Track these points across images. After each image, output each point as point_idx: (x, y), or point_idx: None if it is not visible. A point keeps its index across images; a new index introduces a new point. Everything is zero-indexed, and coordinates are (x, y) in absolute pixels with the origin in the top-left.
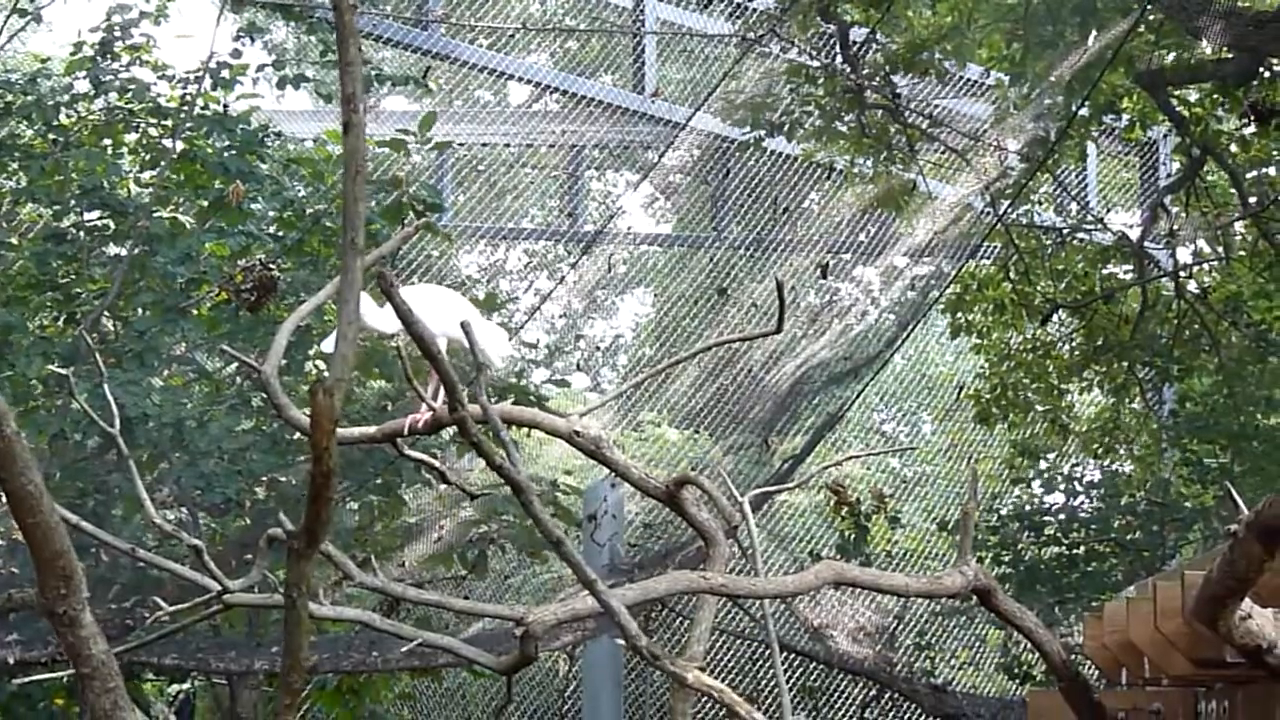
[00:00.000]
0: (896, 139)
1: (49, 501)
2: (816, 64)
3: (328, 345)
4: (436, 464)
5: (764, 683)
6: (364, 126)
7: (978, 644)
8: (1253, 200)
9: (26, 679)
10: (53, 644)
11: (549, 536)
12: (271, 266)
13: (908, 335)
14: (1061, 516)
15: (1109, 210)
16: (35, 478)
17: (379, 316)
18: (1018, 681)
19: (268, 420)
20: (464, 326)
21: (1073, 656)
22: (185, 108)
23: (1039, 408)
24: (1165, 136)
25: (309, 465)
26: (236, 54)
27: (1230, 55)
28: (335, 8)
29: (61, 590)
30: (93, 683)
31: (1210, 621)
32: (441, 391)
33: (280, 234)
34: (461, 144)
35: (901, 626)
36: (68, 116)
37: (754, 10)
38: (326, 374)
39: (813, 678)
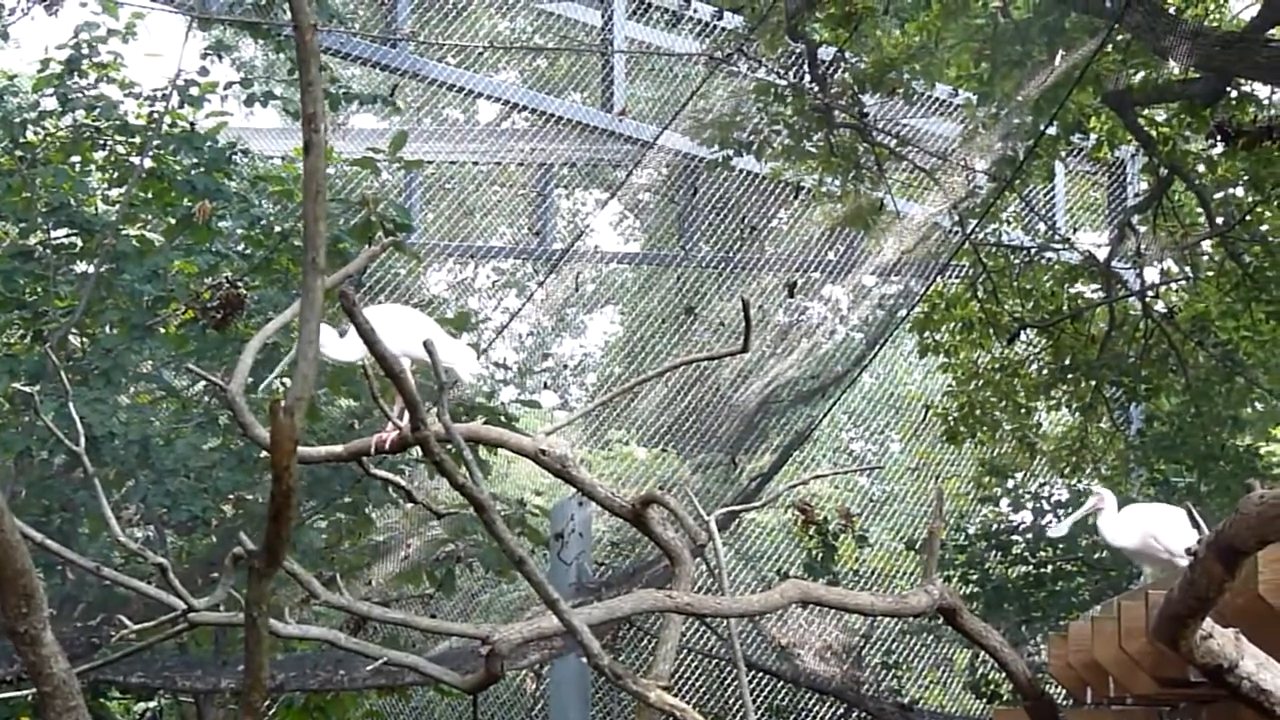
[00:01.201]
0: (865, 158)
1: (10, 519)
2: (785, 83)
3: (273, 379)
4: (403, 483)
5: (731, 702)
6: (324, 146)
7: (945, 663)
8: (1220, 220)
9: None
10: (18, 663)
11: (511, 555)
12: (239, 285)
13: (875, 354)
14: (1029, 535)
15: (1076, 229)
16: None
17: (338, 346)
18: (984, 700)
19: (234, 438)
20: (426, 345)
21: (1038, 675)
22: (153, 125)
23: (1007, 426)
24: (1133, 156)
25: None
26: (204, 72)
27: (1198, 75)
28: (297, 28)
29: (23, 609)
30: (54, 701)
31: (1172, 641)
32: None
33: (248, 252)
34: (430, 162)
35: (869, 645)
36: (35, 133)
37: (722, 29)
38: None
39: (780, 696)
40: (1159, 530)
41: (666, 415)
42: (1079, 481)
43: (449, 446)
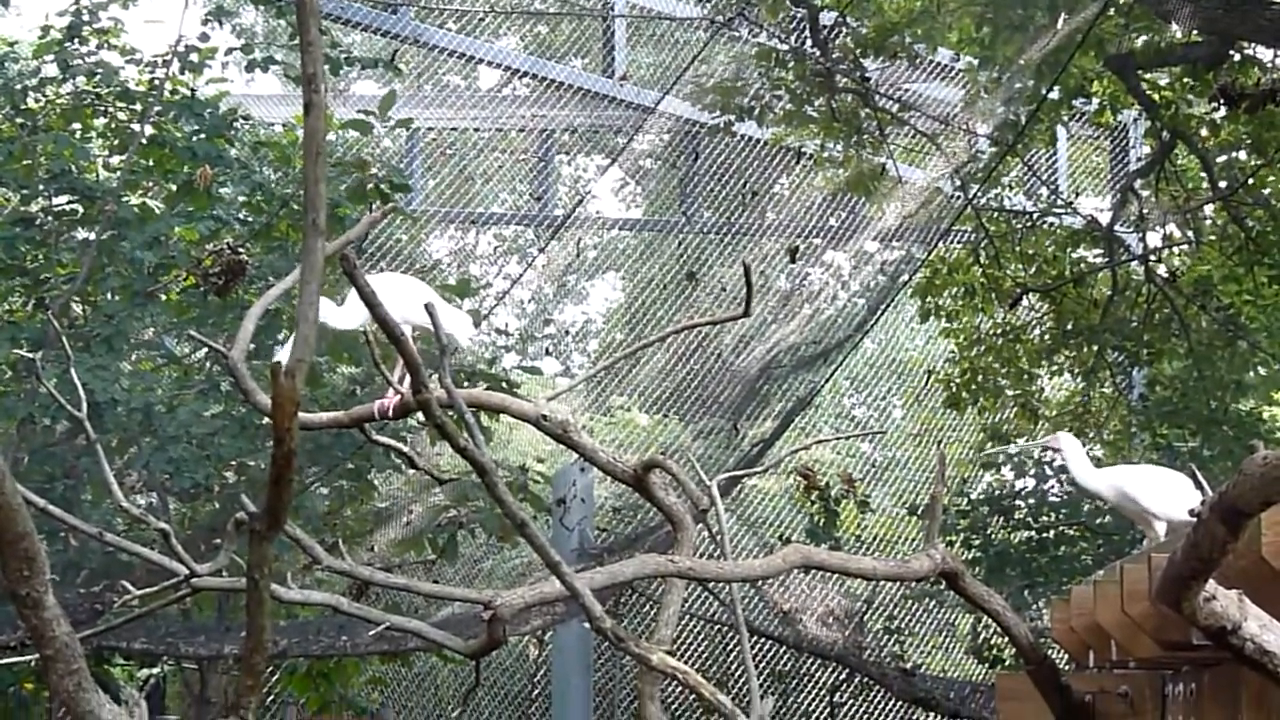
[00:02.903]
0: (866, 123)
1: (11, 483)
2: (786, 48)
3: (283, 353)
4: (405, 449)
5: (734, 667)
6: (325, 107)
7: (947, 628)
8: (1223, 184)
9: None
10: (21, 628)
11: (513, 519)
12: (240, 250)
13: (877, 319)
14: (1031, 501)
15: (1079, 194)
16: None
17: (336, 315)
18: (987, 665)
19: (236, 405)
20: (428, 309)
21: (1041, 640)
22: (154, 92)
23: (1009, 392)
24: (1135, 120)
25: None
26: (205, 38)
27: (1200, 39)
28: None
29: (24, 572)
30: (56, 665)
31: (1174, 603)
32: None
33: (249, 218)
34: (431, 128)
35: (871, 611)
36: (35, 100)
37: None
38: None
39: (783, 661)
40: (1134, 487)
41: (668, 381)
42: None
43: (451, 412)
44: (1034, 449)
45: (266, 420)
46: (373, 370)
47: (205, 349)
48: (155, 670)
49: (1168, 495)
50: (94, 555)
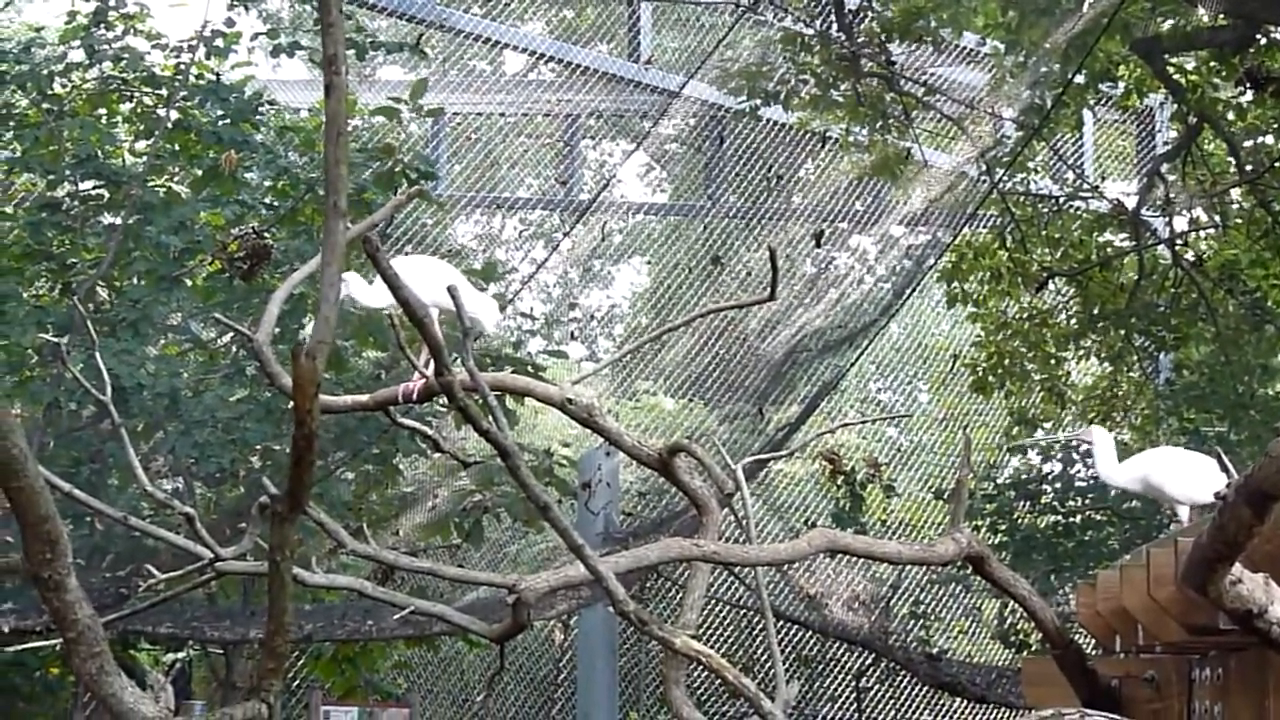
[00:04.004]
0: (892, 107)
1: (33, 465)
2: (812, 32)
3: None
4: (430, 432)
5: (759, 651)
6: (346, 88)
7: (973, 613)
8: (1249, 168)
9: (20, 646)
10: (46, 612)
11: (536, 501)
12: (265, 235)
13: (903, 304)
14: (1058, 485)
15: (1105, 178)
16: (19, 442)
17: (367, 293)
18: (1013, 650)
19: (261, 389)
20: (450, 291)
21: (1067, 624)
22: (179, 77)
23: (1036, 376)
24: (1162, 104)
25: None
26: (230, 23)
27: (1227, 22)
28: None
29: (46, 555)
30: (79, 647)
31: (1200, 586)
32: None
33: (274, 203)
34: (457, 113)
35: (897, 596)
36: (62, 86)
37: None
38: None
39: (809, 646)
40: (1157, 475)
41: (694, 366)
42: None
43: (475, 397)
44: (1064, 438)
45: (292, 404)
46: (398, 354)
47: (230, 333)
48: (181, 655)
49: (1189, 479)
50: (119, 540)
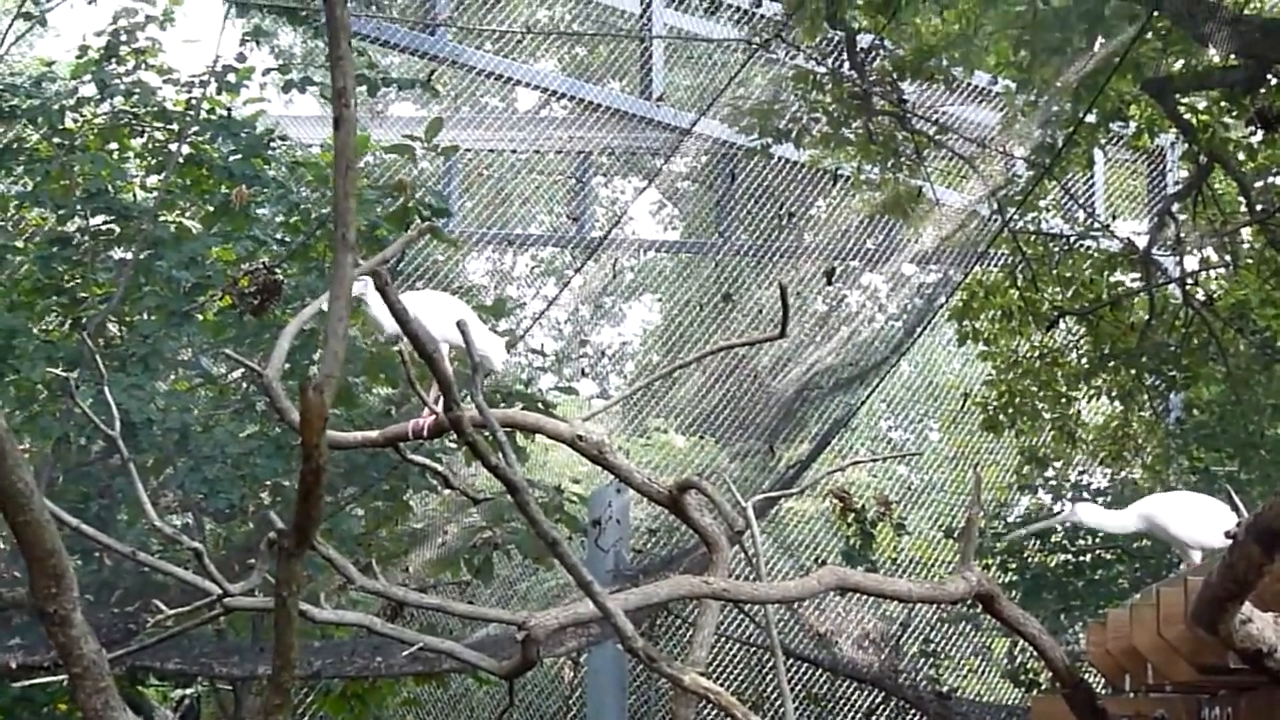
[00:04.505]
0: (903, 145)
1: (39, 499)
2: (823, 70)
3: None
4: (440, 468)
5: (769, 689)
6: (355, 122)
7: (983, 651)
8: (1260, 208)
9: (28, 682)
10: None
11: (545, 537)
12: (275, 270)
13: (914, 342)
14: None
15: (1116, 217)
16: (25, 475)
17: (389, 317)
18: (1023, 689)
19: (271, 425)
20: (460, 325)
21: (1077, 663)
22: (191, 112)
23: (1046, 415)
24: (1173, 144)
25: None
26: (242, 58)
27: (1237, 62)
28: (327, 1)
29: (52, 589)
30: (84, 682)
31: (1210, 625)
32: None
33: (286, 239)
34: (469, 150)
35: (906, 634)
36: (73, 120)
37: (761, 16)
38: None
39: (818, 684)
40: (1163, 518)
41: (705, 403)
42: (1120, 470)
43: (485, 433)
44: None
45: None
46: (408, 391)
47: (241, 369)
48: (190, 691)
49: (1197, 521)
50: (128, 575)
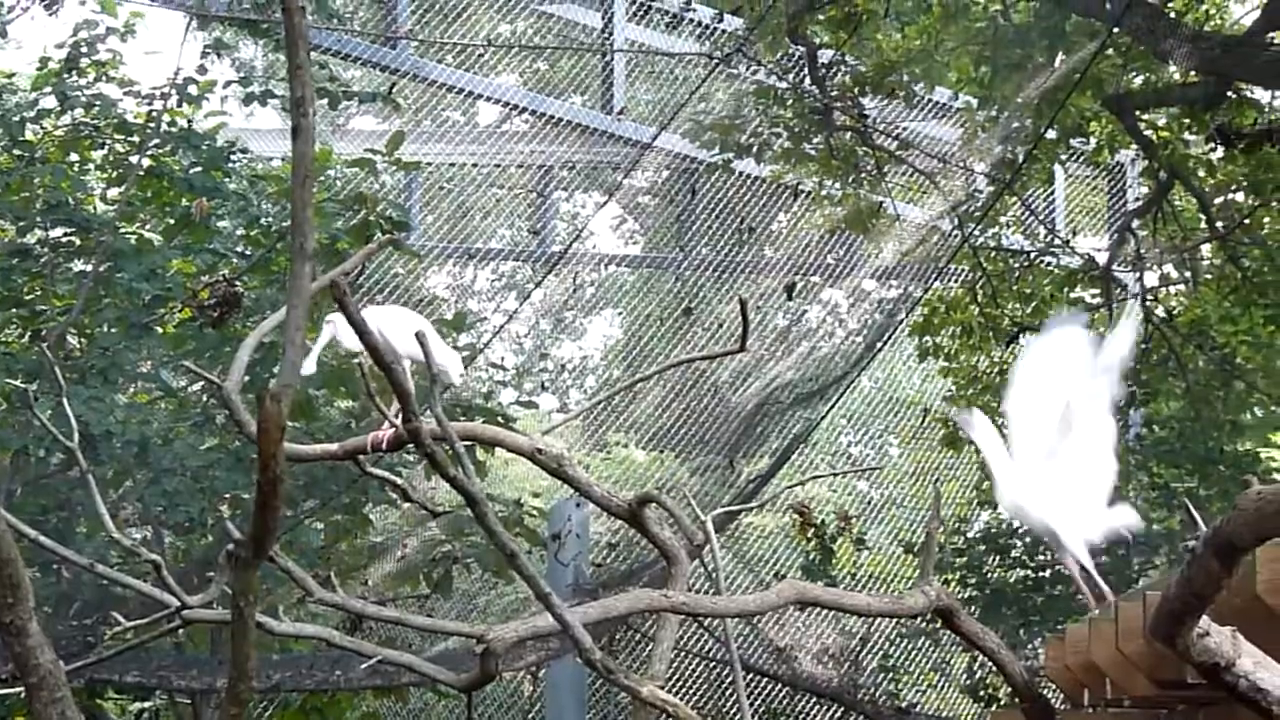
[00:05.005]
0: (864, 161)
1: None
2: (785, 85)
3: (309, 367)
4: (399, 481)
5: (728, 704)
6: (313, 131)
7: (942, 666)
8: (1220, 224)
9: None
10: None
11: (503, 549)
12: (236, 282)
13: (874, 357)
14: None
15: (1076, 233)
16: None
17: (348, 334)
18: (982, 704)
19: (231, 438)
20: (419, 337)
21: (1036, 678)
22: (151, 124)
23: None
24: (1133, 160)
25: None
26: (203, 70)
27: (1198, 79)
28: (285, 9)
29: (8, 599)
30: (40, 693)
31: (1168, 639)
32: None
33: (247, 252)
34: (430, 164)
35: (866, 649)
36: (34, 132)
37: (723, 31)
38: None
39: (778, 699)
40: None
41: (665, 417)
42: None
43: (445, 445)
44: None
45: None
46: (368, 404)
47: (200, 382)
48: (148, 704)
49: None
50: (87, 587)
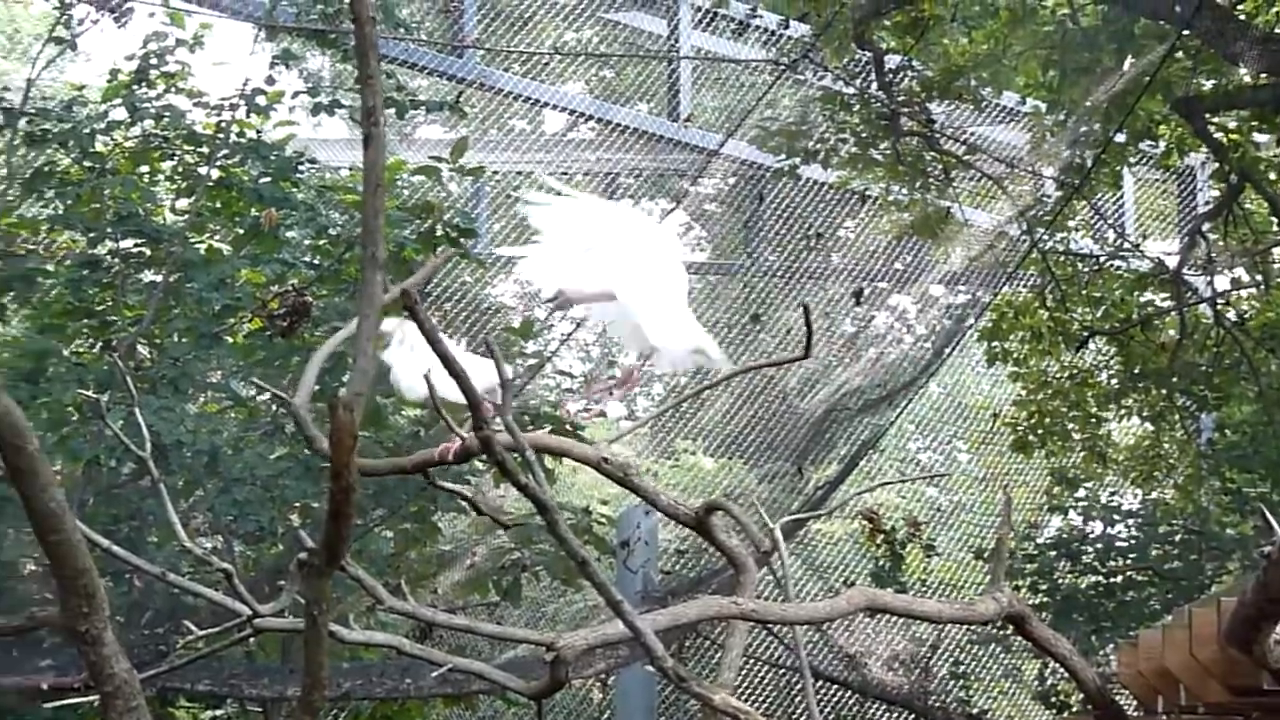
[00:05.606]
0: (932, 166)
1: (71, 519)
2: (851, 91)
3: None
4: (468, 493)
5: (797, 711)
6: (384, 140)
7: (1013, 673)
8: None
9: (58, 704)
10: (84, 669)
11: (574, 557)
12: (305, 292)
13: (942, 362)
14: (1099, 545)
15: (1146, 237)
16: (57, 495)
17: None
18: (1053, 711)
19: (300, 448)
20: (487, 345)
21: (1108, 685)
22: (220, 135)
23: (1076, 435)
24: (1203, 163)
25: None
26: (271, 81)
27: (1268, 81)
28: (355, 20)
29: (83, 608)
30: (115, 701)
31: (1244, 645)
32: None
33: (316, 261)
34: (496, 172)
35: (936, 655)
36: (104, 144)
37: (789, 37)
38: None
39: (847, 706)
40: None
41: (733, 424)
42: (1151, 491)
43: (514, 454)
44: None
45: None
46: (436, 414)
47: (269, 393)
48: (219, 712)
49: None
50: (158, 597)
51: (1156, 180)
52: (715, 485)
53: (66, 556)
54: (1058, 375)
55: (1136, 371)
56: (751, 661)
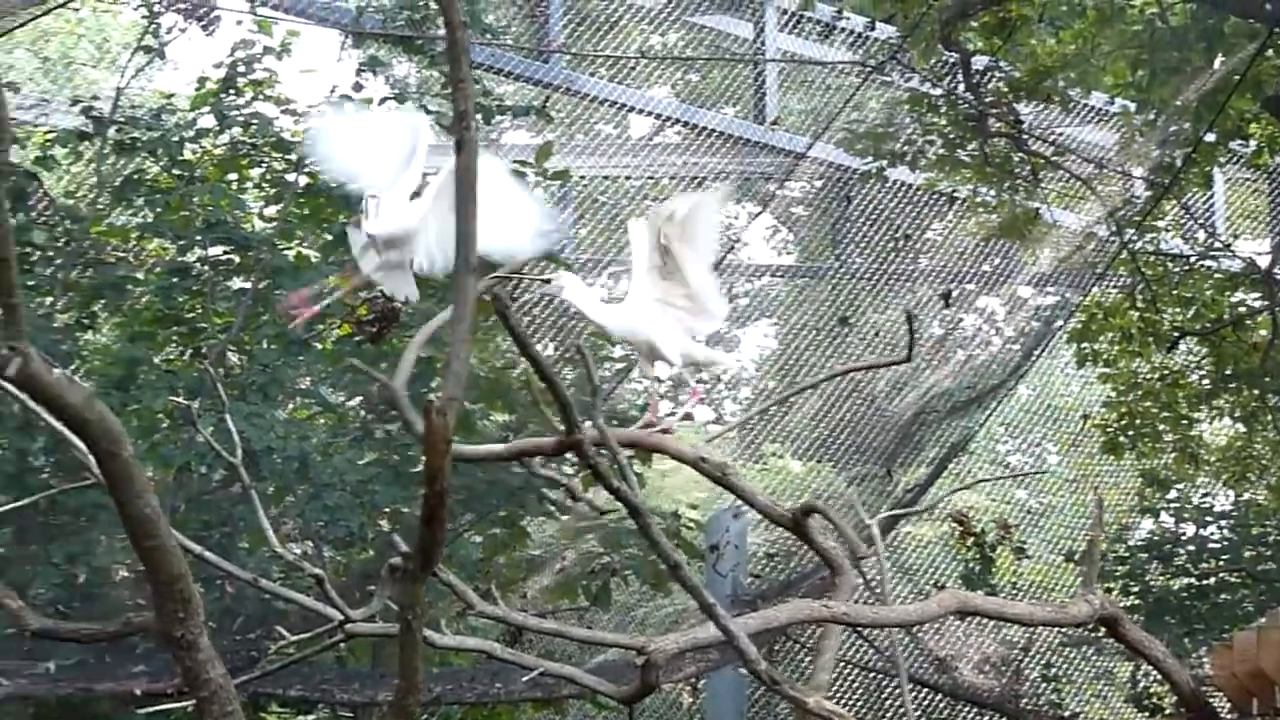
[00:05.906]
0: (1020, 167)
1: (166, 525)
2: (938, 92)
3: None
4: (565, 481)
5: (887, 714)
6: (476, 145)
7: (1106, 676)
8: None
9: (152, 709)
10: (177, 675)
11: (666, 560)
12: (394, 298)
13: (1032, 364)
14: (1191, 547)
15: (1237, 237)
16: (152, 501)
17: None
18: (1147, 713)
19: (390, 452)
20: (579, 350)
21: (1203, 687)
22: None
23: (1168, 437)
24: None
25: None
26: (358, 87)
27: None
28: (447, 24)
29: (179, 614)
30: (211, 707)
31: None
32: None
33: None
34: (583, 176)
35: (1027, 658)
36: (192, 152)
37: (875, 39)
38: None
39: (938, 709)
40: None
41: (821, 427)
42: (1243, 492)
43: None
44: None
45: (424, 462)
46: (525, 417)
47: (359, 398)
48: (311, 717)
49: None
50: (250, 602)
51: (1247, 179)
52: (803, 488)
53: (162, 562)
54: (1148, 376)
55: (1228, 372)
56: (843, 665)
